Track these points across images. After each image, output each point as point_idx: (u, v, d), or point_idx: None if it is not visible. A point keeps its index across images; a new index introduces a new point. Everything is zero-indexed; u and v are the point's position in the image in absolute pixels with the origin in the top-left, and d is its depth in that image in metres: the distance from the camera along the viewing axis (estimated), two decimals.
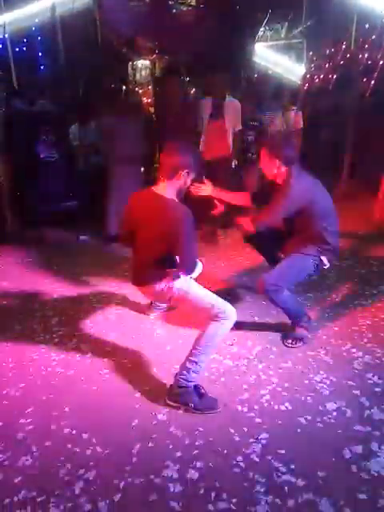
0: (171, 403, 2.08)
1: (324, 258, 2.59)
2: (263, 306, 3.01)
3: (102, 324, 2.89)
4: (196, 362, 2.05)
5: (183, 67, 6.12)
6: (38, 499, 1.63)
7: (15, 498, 1.63)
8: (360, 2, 4.38)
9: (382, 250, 3.94)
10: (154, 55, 7.10)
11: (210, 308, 2.08)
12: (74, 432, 1.95)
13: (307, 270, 2.63)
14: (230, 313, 2.09)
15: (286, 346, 2.58)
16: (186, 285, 2.17)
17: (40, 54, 5.87)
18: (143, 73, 7.54)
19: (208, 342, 2.06)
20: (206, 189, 2.79)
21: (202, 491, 1.64)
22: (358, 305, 2.99)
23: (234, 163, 4.58)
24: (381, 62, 4.82)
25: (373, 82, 5.07)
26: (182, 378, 2.07)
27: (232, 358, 2.47)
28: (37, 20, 5.29)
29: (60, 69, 5.41)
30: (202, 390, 2.12)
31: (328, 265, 2.63)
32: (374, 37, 4.96)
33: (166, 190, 2.12)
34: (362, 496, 1.59)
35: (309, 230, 2.58)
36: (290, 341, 2.60)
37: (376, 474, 1.68)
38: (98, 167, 4.36)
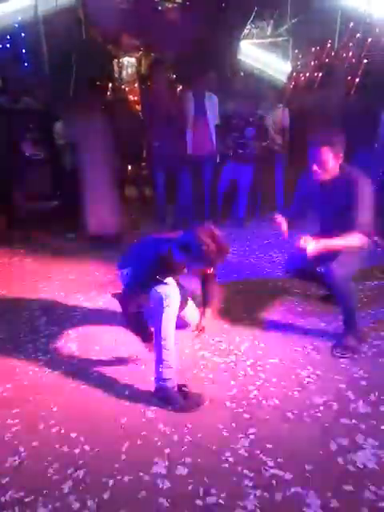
0: (159, 402, 2.08)
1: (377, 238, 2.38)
2: (251, 303, 3.03)
3: (90, 323, 2.87)
4: (161, 361, 2.04)
5: (169, 64, 6.13)
6: (26, 499, 1.62)
7: (2, 499, 1.62)
8: (344, 1, 4.43)
9: None
10: (140, 52, 7.10)
11: (152, 301, 2.06)
12: (62, 431, 1.93)
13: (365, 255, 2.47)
14: (167, 296, 2.02)
15: (334, 355, 2.42)
16: None
17: (23, 51, 5.81)
18: (129, 70, 7.52)
19: (159, 336, 2.03)
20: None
21: (190, 487, 1.65)
22: None
23: (217, 158, 4.69)
24: (364, 61, 4.89)
25: (357, 79, 5.13)
26: (159, 381, 2.06)
27: (220, 354, 2.48)
28: (20, 18, 5.23)
29: (44, 66, 5.37)
30: (186, 389, 2.11)
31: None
32: (358, 35, 5.02)
33: None
34: (348, 488, 1.62)
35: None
36: (338, 351, 2.43)
37: (362, 466, 1.71)
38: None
